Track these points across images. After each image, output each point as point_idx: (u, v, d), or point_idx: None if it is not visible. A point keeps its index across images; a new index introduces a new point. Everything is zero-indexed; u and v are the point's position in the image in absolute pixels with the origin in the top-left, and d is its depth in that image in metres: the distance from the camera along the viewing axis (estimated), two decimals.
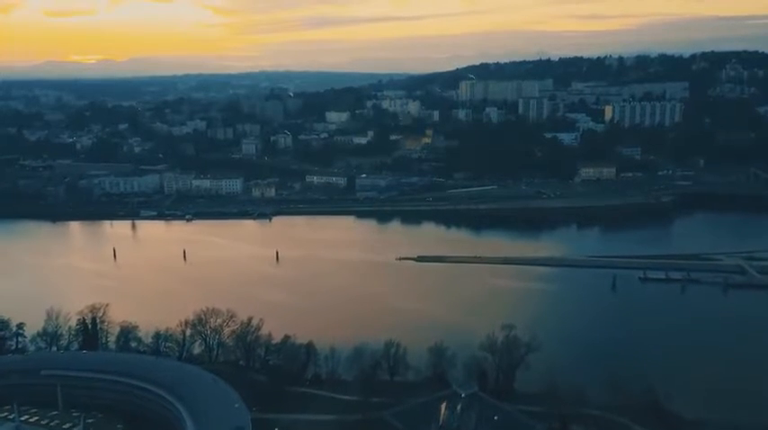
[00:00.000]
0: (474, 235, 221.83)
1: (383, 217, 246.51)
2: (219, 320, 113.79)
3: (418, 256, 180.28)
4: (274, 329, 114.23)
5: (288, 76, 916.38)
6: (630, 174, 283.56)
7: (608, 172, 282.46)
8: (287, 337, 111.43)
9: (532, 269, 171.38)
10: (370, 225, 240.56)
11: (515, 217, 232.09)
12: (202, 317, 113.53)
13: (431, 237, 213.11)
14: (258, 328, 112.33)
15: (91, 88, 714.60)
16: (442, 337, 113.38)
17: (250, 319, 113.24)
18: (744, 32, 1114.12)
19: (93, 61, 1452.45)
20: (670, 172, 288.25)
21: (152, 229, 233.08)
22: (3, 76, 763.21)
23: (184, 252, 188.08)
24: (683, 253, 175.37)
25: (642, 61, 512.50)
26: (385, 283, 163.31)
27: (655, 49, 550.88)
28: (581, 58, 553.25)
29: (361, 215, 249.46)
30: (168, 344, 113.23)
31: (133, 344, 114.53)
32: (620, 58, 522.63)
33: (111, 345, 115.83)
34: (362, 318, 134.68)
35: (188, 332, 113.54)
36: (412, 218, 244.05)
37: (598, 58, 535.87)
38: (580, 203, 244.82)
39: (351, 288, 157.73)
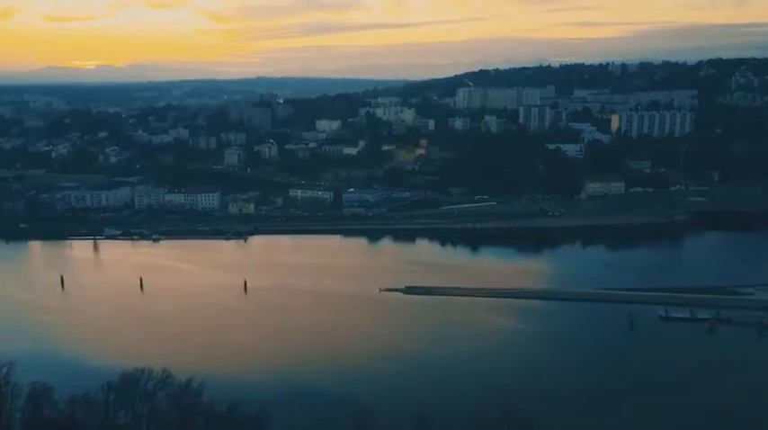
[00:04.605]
0: (470, 258, 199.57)
1: (372, 235, 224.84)
2: (152, 383, 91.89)
3: (406, 287, 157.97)
4: (223, 385, 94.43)
5: (285, 82, 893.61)
6: (640, 190, 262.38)
7: (616, 187, 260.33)
8: (233, 407, 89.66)
9: (536, 304, 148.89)
10: (356, 245, 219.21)
11: (516, 236, 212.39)
12: (128, 380, 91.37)
13: (422, 260, 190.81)
14: (199, 392, 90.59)
15: (85, 93, 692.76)
16: (426, 400, 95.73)
17: (189, 381, 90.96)
18: (745, 40, 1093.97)
19: (92, 66, 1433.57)
20: (683, 187, 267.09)
21: (114, 251, 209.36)
22: (1, 81, 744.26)
23: (141, 280, 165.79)
24: (708, 285, 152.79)
25: (646, 68, 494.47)
26: (364, 323, 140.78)
27: (657, 57, 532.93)
28: (582, 64, 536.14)
29: (347, 233, 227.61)
30: (86, 412, 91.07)
31: (45, 412, 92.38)
32: (623, 65, 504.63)
33: (18, 413, 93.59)
34: (330, 370, 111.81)
35: (111, 398, 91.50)
36: (403, 237, 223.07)
37: (600, 64, 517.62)
38: (587, 222, 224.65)
39: (322, 329, 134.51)
